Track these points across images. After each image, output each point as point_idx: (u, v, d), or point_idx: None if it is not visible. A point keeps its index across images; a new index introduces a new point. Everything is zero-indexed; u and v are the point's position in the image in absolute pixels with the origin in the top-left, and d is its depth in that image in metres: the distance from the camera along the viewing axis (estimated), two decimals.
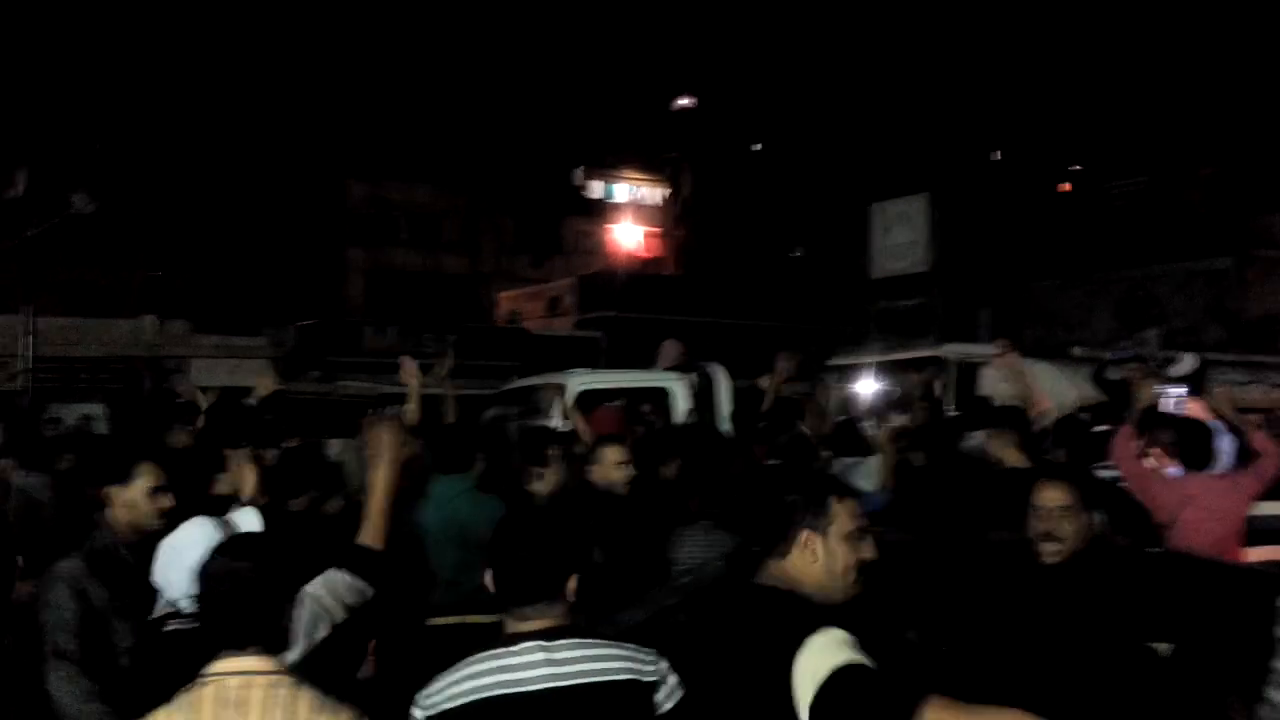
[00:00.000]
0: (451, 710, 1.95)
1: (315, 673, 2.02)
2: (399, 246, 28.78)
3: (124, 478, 3.17)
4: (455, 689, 1.97)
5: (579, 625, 2.05)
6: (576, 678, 1.94)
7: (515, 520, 2.19)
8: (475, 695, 1.94)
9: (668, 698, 2.00)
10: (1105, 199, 22.76)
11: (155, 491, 3.15)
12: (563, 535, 2.11)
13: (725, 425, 7.81)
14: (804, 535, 2.02)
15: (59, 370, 16.65)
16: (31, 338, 15.62)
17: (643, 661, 2.01)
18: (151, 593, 2.63)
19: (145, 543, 2.91)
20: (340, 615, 2.38)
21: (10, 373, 15.88)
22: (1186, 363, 9.58)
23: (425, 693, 2.01)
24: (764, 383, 6.87)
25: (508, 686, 1.93)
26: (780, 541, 2.03)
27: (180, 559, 2.47)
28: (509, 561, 2.06)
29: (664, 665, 2.04)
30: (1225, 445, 4.56)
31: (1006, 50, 27.32)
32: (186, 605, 2.44)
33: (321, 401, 17.19)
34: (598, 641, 2.02)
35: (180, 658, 2.10)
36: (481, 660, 1.98)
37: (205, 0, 24.86)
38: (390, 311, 24.31)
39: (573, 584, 2.05)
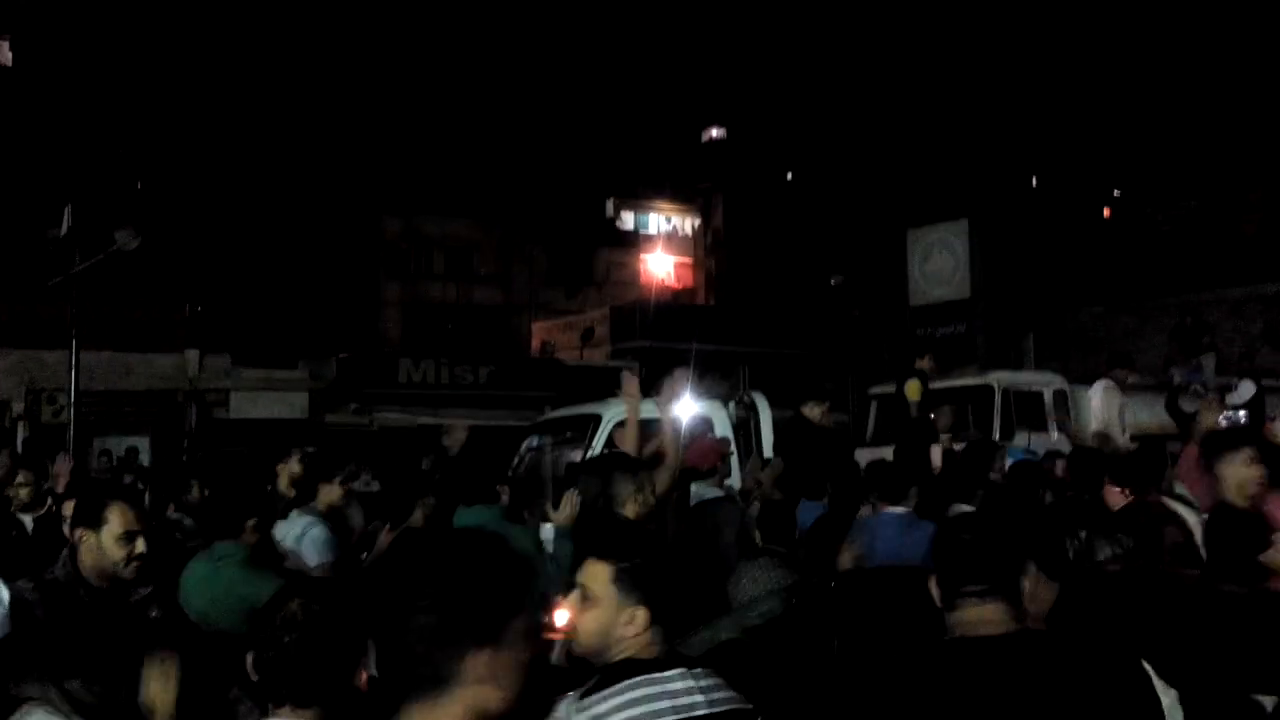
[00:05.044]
0: None
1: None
2: (433, 279, 28.99)
3: (94, 522, 2.97)
4: (629, 711, 1.88)
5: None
6: (723, 704, 1.91)
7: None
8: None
9: None
10: (1151, 224, 22.34)
11: (126, 537, 2.94)
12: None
13: (767, 454, 7.64)
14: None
15: (104, 404, 16.84)
16: (75, 373, 15.83)
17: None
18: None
19: (114, 590, 2.83)
20: None
21: (56, 408, 16.08)
22: (1245, 389, 9.30)
23: (584, 705, 1.91)
24: (810, 411, 6.70)
25: (679, 712, 1.88)
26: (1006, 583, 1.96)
27: None
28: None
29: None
30: None
31: (1048, 74, 27.07)
32: None
33: (359, 433, 17.24)
34: (712, 671, 1.99)
35: None
36: (644, 684, 1.90)
37: (246, 40, 25.39)
38: (425, 344, 24.41)
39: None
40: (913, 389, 7.65)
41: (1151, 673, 1.90)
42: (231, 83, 24.88)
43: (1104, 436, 7.86)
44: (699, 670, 1.94)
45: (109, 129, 22.58)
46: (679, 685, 1.90)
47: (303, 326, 22.80)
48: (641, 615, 1.98)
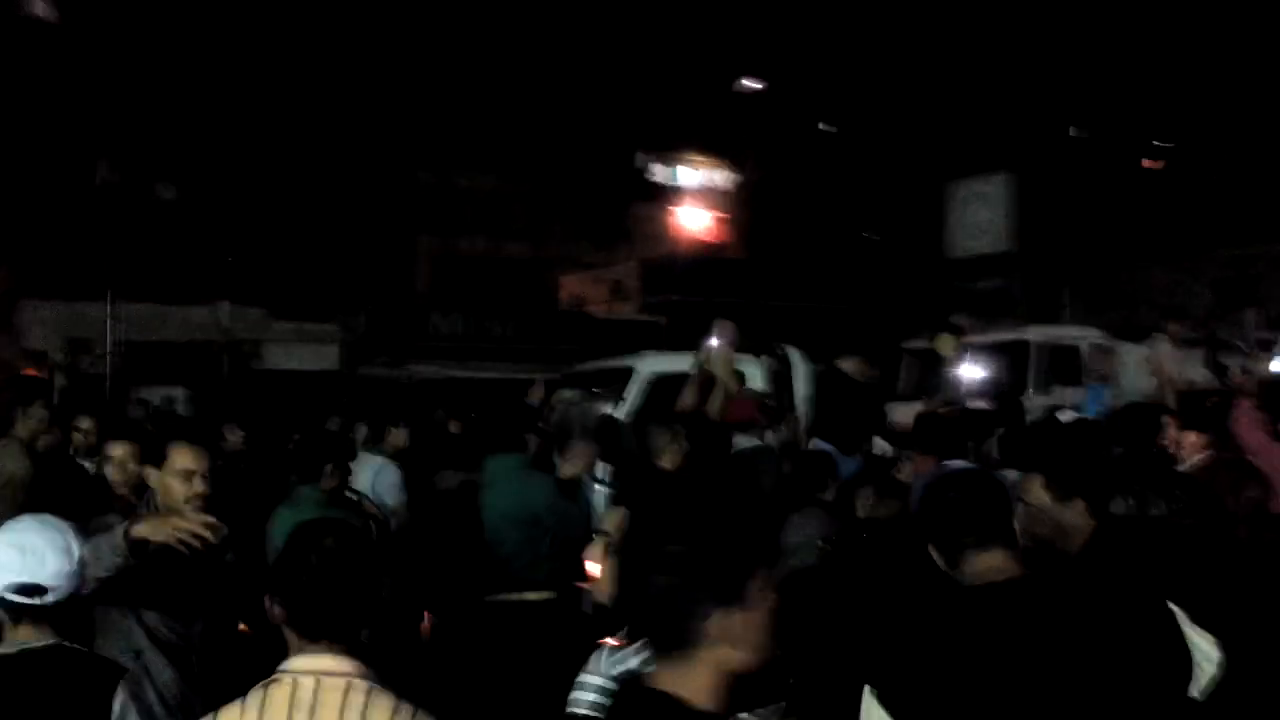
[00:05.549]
0: None
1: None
2: (464, 233, 28.99)
3: (158, 459, 3.07)
4: None
5: None
6: None
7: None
8: None
9: None
10: (1197, 174, 21.75)
11: (185, 475, 3.01)
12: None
13: (803, 408, 7.58)
14: None
15: (141, 355, 17.10)
16: (111, 323, 16.05)
17: None
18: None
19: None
20: None
21: (93, 356, 16.34)
22: None
23: (617, 658, 1.96)
24: (846, 365, 6.63)
25: None
26: None
27: None
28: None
29: None
30: None
31: (1091, 22, 26.24)
32: None
33: (391, 384, 17.39)
34: None
35: None
36: None
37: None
38: (456, 297, 24.48)
39: None
40: (945, 343, 7.56)
41: (1182, 616, 1.85)
42: (269, 38, 24.80)
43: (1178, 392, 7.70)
44: None
45: (148, 83, 22.63)
46: None
47: (336, 279, 22.93)
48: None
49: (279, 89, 24.69)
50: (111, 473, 4.05)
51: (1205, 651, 1.85)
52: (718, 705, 1.44)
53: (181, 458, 3.03)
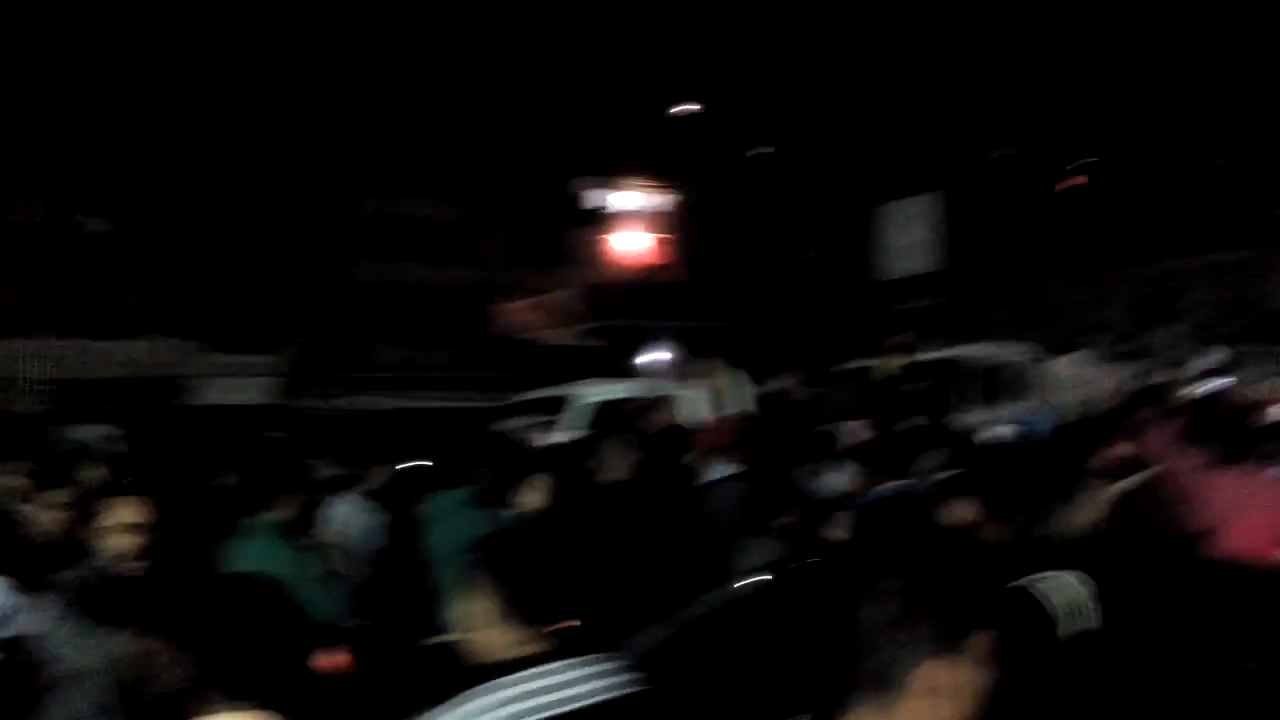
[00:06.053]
0: None
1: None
2: (405, 261, 28.73)
3: (95, 515, 2.98)
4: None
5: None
6: (604, 693, 1.88)
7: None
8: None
9: None
10: (1119, 192, 22.53)
11: (126, 529, 2.91)
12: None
13: None
14: None
15: (69, 392, 16.58)
16: (37, 360, 15.58)
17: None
18: None
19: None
20: None
21: (11, 395, 15.82)
22: (1211, 357, 9.48)
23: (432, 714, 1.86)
24: (783, 385, 6.74)
25: (536, 712, 1.84)
26: None
27: None
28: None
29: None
30: None
31: (1013, 43, 27.12)
32: None
33: (329, 417, 17.11)
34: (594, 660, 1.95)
35: None
36: (482, 693, 1.85)
37: (217, 22, 24.89)
38: (397, 326, 24.22)
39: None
40: (890, 364, 7.72)
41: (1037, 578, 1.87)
42: (202, 65, 24.41)
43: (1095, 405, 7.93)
44: (562, 666, 1.86)
45: (74, 111, 22.11)
46: (534, 684, 1.84)
47: (270, 310, 22.54)
48: (501, 617, 1.92)
49: (211, 115, 24.30)
50: (47, 521, 3.91)
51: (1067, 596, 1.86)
52: None
53: (123, 511, 2.93)
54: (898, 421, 7.47)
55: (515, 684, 1.84)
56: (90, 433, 15.14)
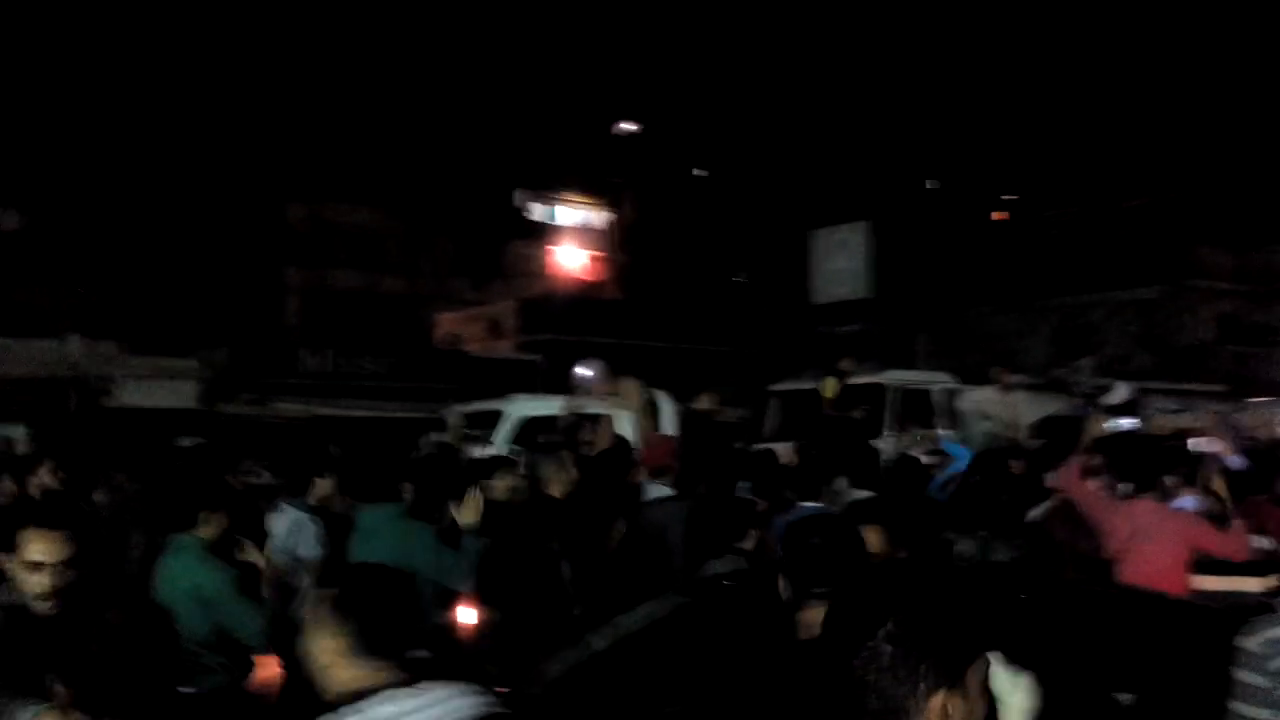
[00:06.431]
0: None
1: None
2: (337, 267, 28.30)
3: (8, 546, 2.68)
4: None
5: None
6: (456, 714, 1.89)
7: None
8: None
9: None
10: (1040, 228, 23.32)
11: (34, 567, 2.62)
12: None
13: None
14: None
15: None
16: None
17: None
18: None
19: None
20: None
21: None
22: (1121, 391, 9.84)
23: None
24: (702, 403, 6.85)
25: None
26: None
27: None
28: None
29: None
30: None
31: (944, 83, 27.99)
32: None
33: (255, 423, 16.75)
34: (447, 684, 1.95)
35: None
36: None
37: (144, 16, 24.31)
38: (327, 333, 23.84)
39: None
40: (829, 386, 7.86)
41: (999, 661, 1.97)
42: (129, 61, 23.80)
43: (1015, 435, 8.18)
44: (428, 684, 1.89)
45: None
46: (386, 710, 1.84)
47: (198, 313, 22.00)
48: (349, 648, 1.90)
49: (138, 111, 23.69)
50: None
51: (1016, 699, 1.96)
52: None
53: (32, 547, 2.65)
54: (832, 444, 7.61)
55: (359, 715, 1.84)
56: (3, 432, 14.61)
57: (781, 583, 2.09)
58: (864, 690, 1.36)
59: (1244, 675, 2.51)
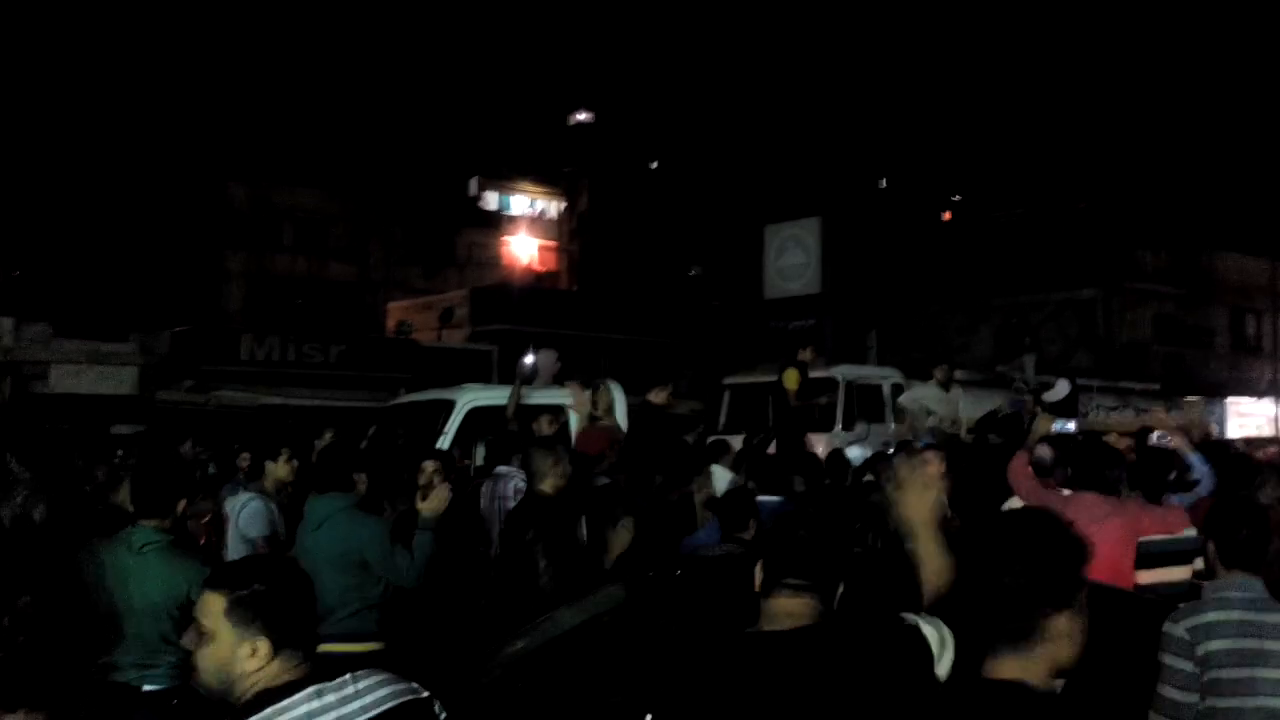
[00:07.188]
0: None
1: None
2: (282, 252, 27.71)
3: None
4: None
5: None
6: (386, 702, 1.88)
7: None
8: None
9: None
10: (986, 228, 23.76)
11: None
12: None
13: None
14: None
15: None
16: None
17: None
18: None
19: None
20: None
21: None
22: (1060, 388, 10.05)
23: None
24: (655, 397, 6.84)
25: None
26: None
27: None
28: None
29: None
30: (1201, 471, 4.78)
31: (898, 83, 28.37)
32: None
33: (196, 411, 16.37)
34: (372, 672, 1.95)
35: None
36: (272, 715, 1.83)
37: None
38: (272, 319, 23.36)
39: None
40: (791, 378, 7.85)
41: (914, 619, 1.99)
42: (61, 32, 23.05)
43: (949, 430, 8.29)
44: (350, 677, 1.88)
45: None
46: (311, 706, 1.83)
47: (135, 297, 21.43)
48: (263, 646, 1.87)
49: (71, 85, 22.98)
50: None
51: (938, 637, 2.00)
52: (1051, 691, 1.67)
53: None
54: (793, 436, 7.63)
55: (281, 711, 1.82)
56: None
57: (758, 570, 2.08)
58: (1006, 616, 1.65)
59: (1171, 660, 2.64)
